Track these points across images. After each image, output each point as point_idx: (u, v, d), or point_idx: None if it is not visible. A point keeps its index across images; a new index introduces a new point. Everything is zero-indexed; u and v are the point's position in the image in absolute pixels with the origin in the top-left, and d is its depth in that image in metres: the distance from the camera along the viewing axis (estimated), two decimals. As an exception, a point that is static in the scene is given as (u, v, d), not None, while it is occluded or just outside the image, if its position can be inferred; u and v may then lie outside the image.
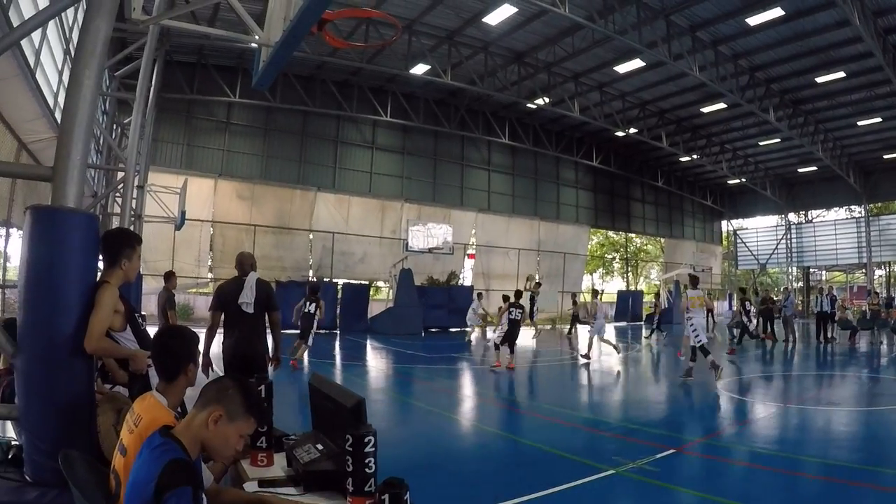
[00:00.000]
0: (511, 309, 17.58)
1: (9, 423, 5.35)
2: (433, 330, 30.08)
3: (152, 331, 4.63)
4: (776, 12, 22.35)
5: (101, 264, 4.84)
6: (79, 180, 4.60)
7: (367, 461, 2.73)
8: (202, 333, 4.17)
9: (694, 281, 17.00)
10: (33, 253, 4.35)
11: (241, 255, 8.03)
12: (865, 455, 8.31)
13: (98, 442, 4.28)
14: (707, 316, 30.20)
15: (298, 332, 17.57)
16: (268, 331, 7.82)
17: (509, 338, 17.35)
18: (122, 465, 2.98)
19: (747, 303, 23.84)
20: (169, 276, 14.37)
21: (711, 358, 14.97)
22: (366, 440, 2.73)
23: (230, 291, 7.67)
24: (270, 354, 7.87)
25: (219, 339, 7.74)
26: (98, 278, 4.71)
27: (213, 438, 2.83)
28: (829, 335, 25.79)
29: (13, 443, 4.86)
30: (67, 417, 4.31)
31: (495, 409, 12.56)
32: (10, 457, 4.72)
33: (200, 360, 5.07)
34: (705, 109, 34.44)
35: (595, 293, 23.42)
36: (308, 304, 17.46)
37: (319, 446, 3.43)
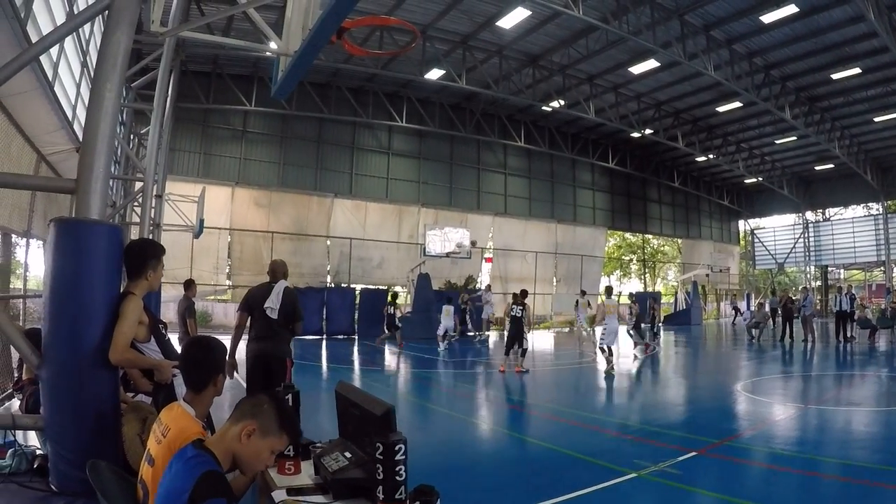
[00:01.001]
0: (513, 306, 17.71)
1: (33, 433, 5.39)
2: (451, 334, 30.06)
3: (173, 338, 4.66)
4: (790, 9, 22.25)
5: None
6: (102, 192, 4.64)
7: (397, 469, 2.73)
8: (224, 339, 4.19)
9: (608, 291, 19.28)
10: (58, 264, 4.38)
11: (273, 262, 8.35)
12: (888, 456, 8.23)
13: (123, 451, 4.31)
14: (734, 316, 30.43)
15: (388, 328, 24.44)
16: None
17: (514, 337, 17.46)
18: (149, 476, 3.00)
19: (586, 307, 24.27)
20: (189, 285, 14.44)
21: (612, 359, 17.35)
22: (396, 448, 2.73)
23: (258, 295, 7.93)
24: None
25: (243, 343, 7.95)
26: (122, 289, 4.74)
27: (245, 453, 2.86)
28: (849, 334, 25.63)
29: (38, 452, 4.89)
30: (93, 427, 4.33)
31: (515, 413, 12.54)
32: (35, 466, 4.75)
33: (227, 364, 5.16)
34: (721, 109, 34.35)
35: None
36: (390, 307, 24.45)
37: (347, 454, 3.43)
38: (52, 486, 4.42)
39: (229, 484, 2.73)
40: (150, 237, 14.83)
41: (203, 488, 2.51)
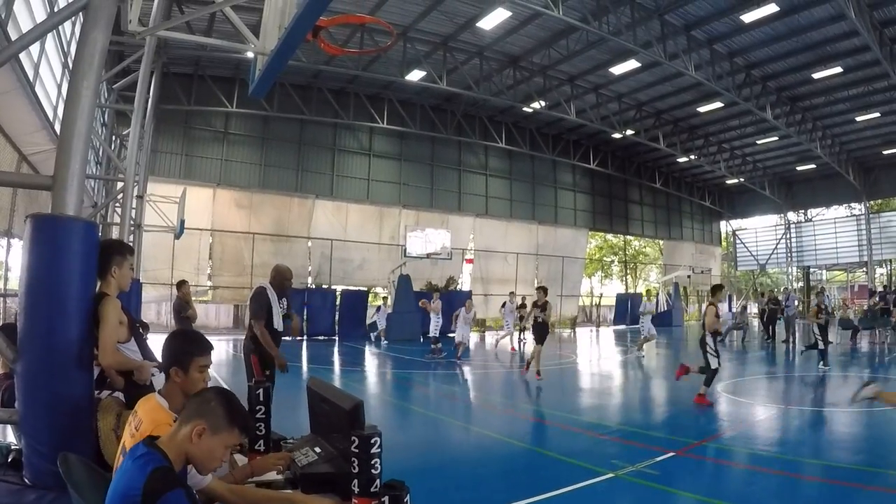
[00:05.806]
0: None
1: (9, 428, 5.40)
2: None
3: (156, 338, 4.68)
4: (770, 8, 22.28)
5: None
6: (78, 189, 4.66)
7: (373, 462, 2.73)
8: (213, 339, 4.21)
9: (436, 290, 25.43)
10: (34, 260, 4.41)
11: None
12: (867, 457, 8.27)
13: (99, 446, 4.31)
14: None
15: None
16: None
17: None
18: (124, 470, 2.99)
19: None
20: (181, 285, 14.72)
21: (438, 346, 21.60)
22: (372, 441, 2.73)
23: None
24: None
25: None
26: (97, 289, 4.75)
27: (199, 452, 2.80)
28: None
29: (13, 447, 4.91)
30: (67, 422, 4.37)
31: (493, 413, 12.53)
32: (9, 460, 4.79)
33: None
34: (702, 109, 34.34)
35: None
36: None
37: (317, 449, 3.45)
38: (26, 480, 4.44)
39: (180, 477, 2.69)
40: (131, 237, 14.89)
41: (156, 482, 2.47)
